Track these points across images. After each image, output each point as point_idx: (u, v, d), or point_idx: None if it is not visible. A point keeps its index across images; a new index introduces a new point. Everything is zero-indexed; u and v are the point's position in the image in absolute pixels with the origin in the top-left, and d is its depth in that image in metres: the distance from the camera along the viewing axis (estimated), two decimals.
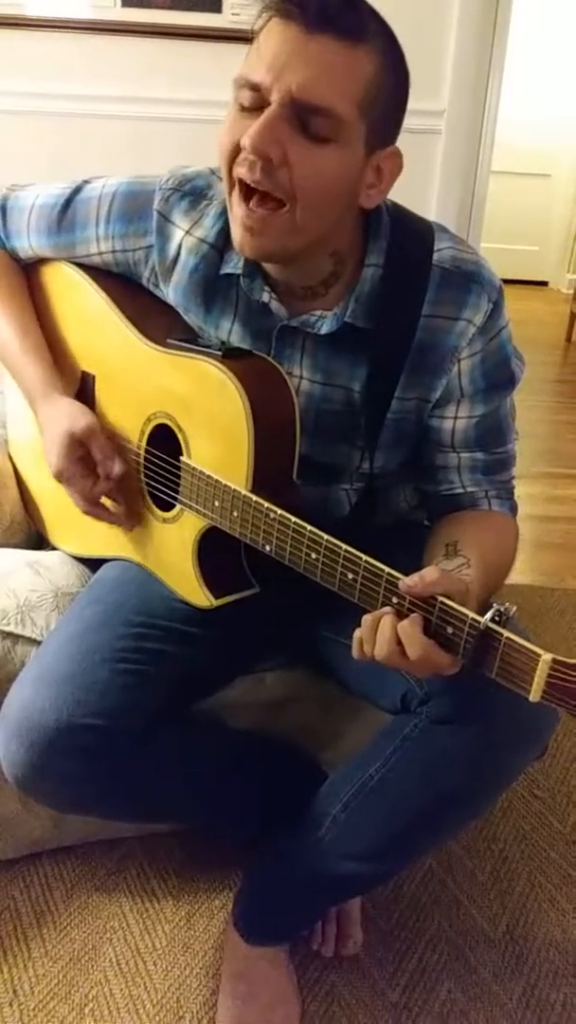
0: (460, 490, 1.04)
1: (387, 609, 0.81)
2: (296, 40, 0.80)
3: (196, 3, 2.21)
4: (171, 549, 1.05)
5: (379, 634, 0.81)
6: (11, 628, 1.10)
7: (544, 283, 5.80)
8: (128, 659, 0.98)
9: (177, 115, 2.22)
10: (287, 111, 0.82)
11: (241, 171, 0.85)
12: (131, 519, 1.09)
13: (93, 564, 1.21)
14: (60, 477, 1.04)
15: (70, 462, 1.03)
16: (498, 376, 1.00)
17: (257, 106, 0.83)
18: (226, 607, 1.03)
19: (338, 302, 0.97)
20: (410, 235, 0.98)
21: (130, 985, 1.15)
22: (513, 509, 1.07)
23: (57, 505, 1.26)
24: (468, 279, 0.95)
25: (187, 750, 1.07)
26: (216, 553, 1.00)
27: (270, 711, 1.18)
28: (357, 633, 0.83)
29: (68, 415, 1.04)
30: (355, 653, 0.83)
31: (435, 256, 0.96)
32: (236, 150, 0.85)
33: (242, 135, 0.83)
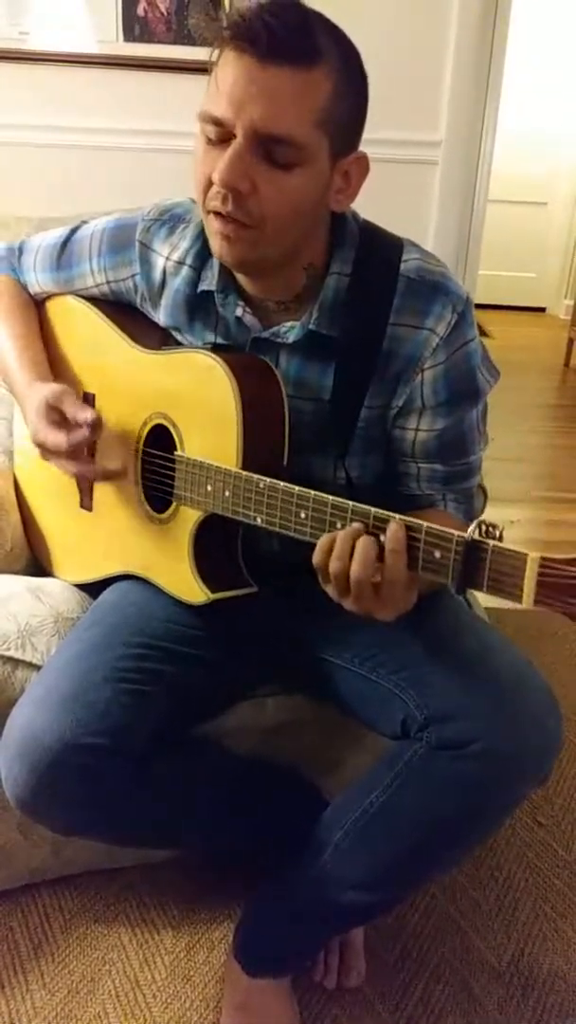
0: (418, 492, 1.07)
1: (358, 526, 0.82)
2: (250, 72, 0.83)
3: (196, 38, 2.25)
4: (168, 549, 1.06)
5: (361, 551, 0.81)
6: (11, 653, 1.10)
7: (542, 309, 5.85)
8: (129, 679, 0.98)
9: (178, 147, 2.24)
10: (251, 143, 0.85)
11: (215, 203, 0.89)
12: (116, 473, 1.07)
13: (93, 591, 1.21)
14: (40, 448, 1.05)
15: (45, 427, 1.03)
16: (462, 388, 1.01)
17: (223, 138, 0.87)
18: (226, 627, 1.03)
19: (306, 312, 1.00)
20: (378, 246, 1.00)
21: (129, 1018, 1.13)
22: (468, 514, 1.08)
23: (59, 535, 1.27)
24: (433, 289, 0.98)
25: (187, 773, 1.07)
26: (212, 547, 1.02)
27: (270, 736, 1.18)
28: (323, 541, 0.84)
29: (41, 389, 1.07)
30: (316, 559, 0.84)
31: (402, 267, 0.98)
32: (209, 184, 0.89)
33: (212, 169, 0.87)
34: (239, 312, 1.02)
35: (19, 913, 1.26)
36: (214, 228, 0.92)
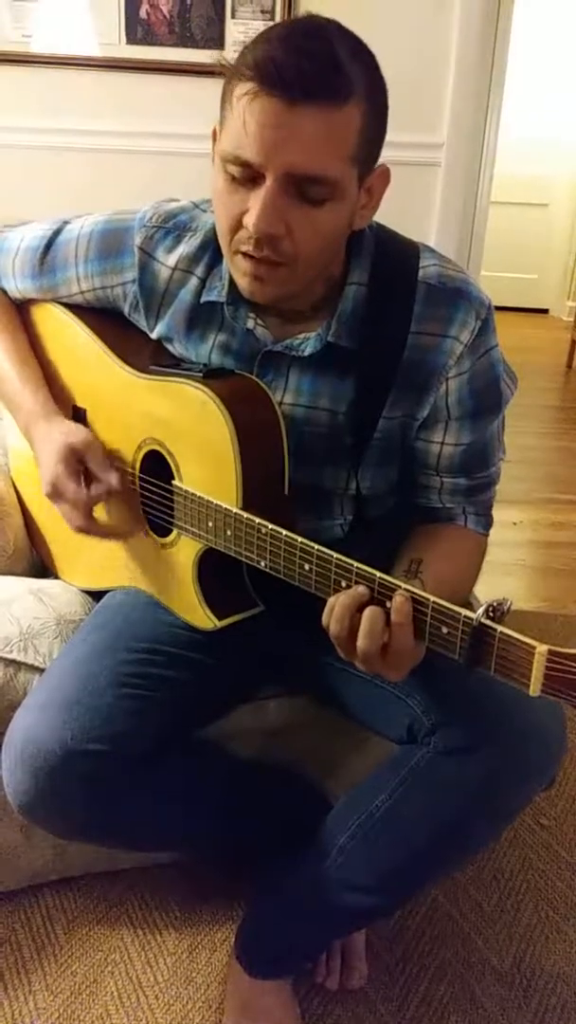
0: (438, 505, 1.06)
1: (363, 591, 0.80)
2: (281, 114, 0.79)
3: (200, 40, 2.26)
4: (172, 573, 1.05)
5: (368, 624, 0.79)
6: (14, 655, 1.10)
7: (544, 311, 5.84)
8: (132, 684, 0.98)
9: (181, 149, 2.25)
10: (284, 186, 0.82)
11: (246, 247, 0.87)
12: (122, 534, 1.08)
13: (97, 593, 1.21)
14: (53, 491, 1.02)
15: (65, 475, 1.00)
16: (487, 397, 1.00)
17: (249, 177, 0.83)
18: (230, 632, 1.02)
19: (322, 323, 0.98)
20: (394, 253, 0.98)
21: (132, 1019, 1.13)
22: (487, 525, 1.08)
23: (62, 538, 1.26)
24: (455, 295, 0.96)
25: (190, 777, 1.07)
26: (217, 573, 1.01)
27: (273, 739, 1.18)
28: (331, 603, 0.81)
29: (66, 431, 1.04)
30: (324, 620, 0.82)
31: (420, 273, 0.96)
32: (237, 225, 0.86)
33: (240, 210, 0.85)
34: (251, 324, 0.99)
35: (22, 915, 1.26)
36: (244, 269, 0.89)
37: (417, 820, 0.96)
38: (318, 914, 1.07)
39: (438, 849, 0.97)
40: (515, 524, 2.61)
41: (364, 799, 1.01)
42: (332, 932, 1.15)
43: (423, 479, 1.05)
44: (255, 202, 0.83)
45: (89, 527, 1.03)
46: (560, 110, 5.38)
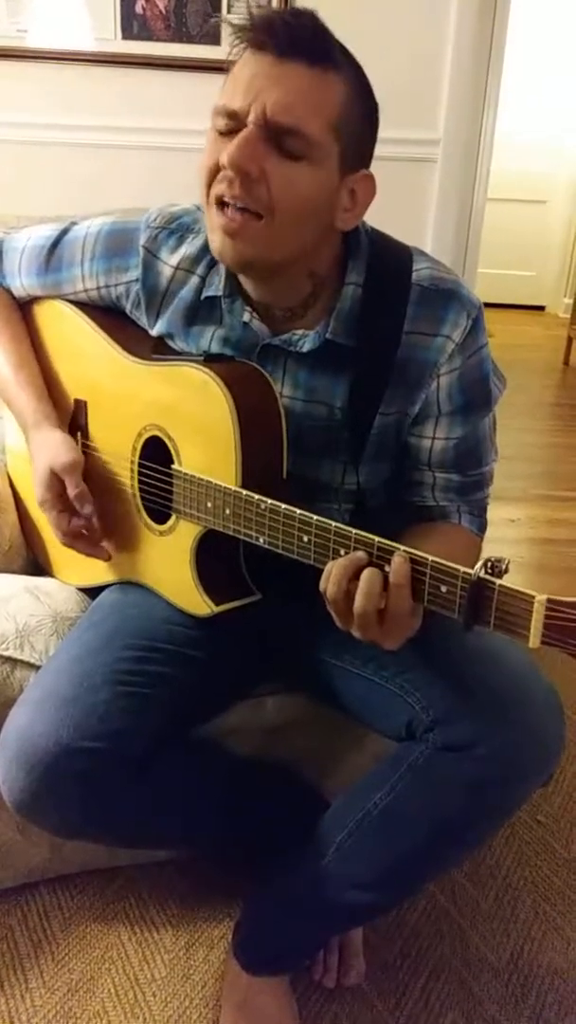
0: (432, 503, 1.07)
1: (362, 555, 0.81)
2: (269, 66, 0.85)
3: (196, 36, 2.25)
4: (170, 561, 1.05)
5: (366, 585, 0.80)
6: (10, 653, 1.10)
7: (541, 308, 5.84)
8: (129, 682, 0.98)
9: (176, 144, 2.25)
10: (262, 131, 0.86)
11: (221, 188, 0.89)
12: (105, 555, 1.11)
13: (93, 591, 1.21)
14: (42, 507, 1.07)
15: (50, 494, 1.06)
16: (476, 394, 1.02)
17: (233, 130, 0.87)
18: (227, 629, 1.03)
19: (319, 321, 1.00)
20: (389, 256, 1.01)
21: (129, 1016, 1.13)
22: (482, 527, 1.08)
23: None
24: (447, 297, 0.98)
25: (186, 775, 1.07)
26: (214, 558, 1.01)
27: (270, 736, 1.18)
28: (328, 568, 0.82)
29: (53, 447, 1.07)
30: (322, 586, 0.83)
31: (414, 275, 0.99)
32: (215, 170, 0.89)
33: (220, 156, 0.87)
34: (246, 317, 1.01)
35: (18, 912, 1.26)
36: (217, 223, 0.91)
37: (415, 817, 0.96)
38: (316, 912, 1.07)
39: (436, 846, 0.98)
40: (513, 521, 2.61)
41: (362, 796, 1.01)
42: (330, 929, 1.15)
43: (417, 475, 1.06)
44: (232, 141, 0.86)
45: (71, 546, 1.09)
46: (558, 106, 5.37)
